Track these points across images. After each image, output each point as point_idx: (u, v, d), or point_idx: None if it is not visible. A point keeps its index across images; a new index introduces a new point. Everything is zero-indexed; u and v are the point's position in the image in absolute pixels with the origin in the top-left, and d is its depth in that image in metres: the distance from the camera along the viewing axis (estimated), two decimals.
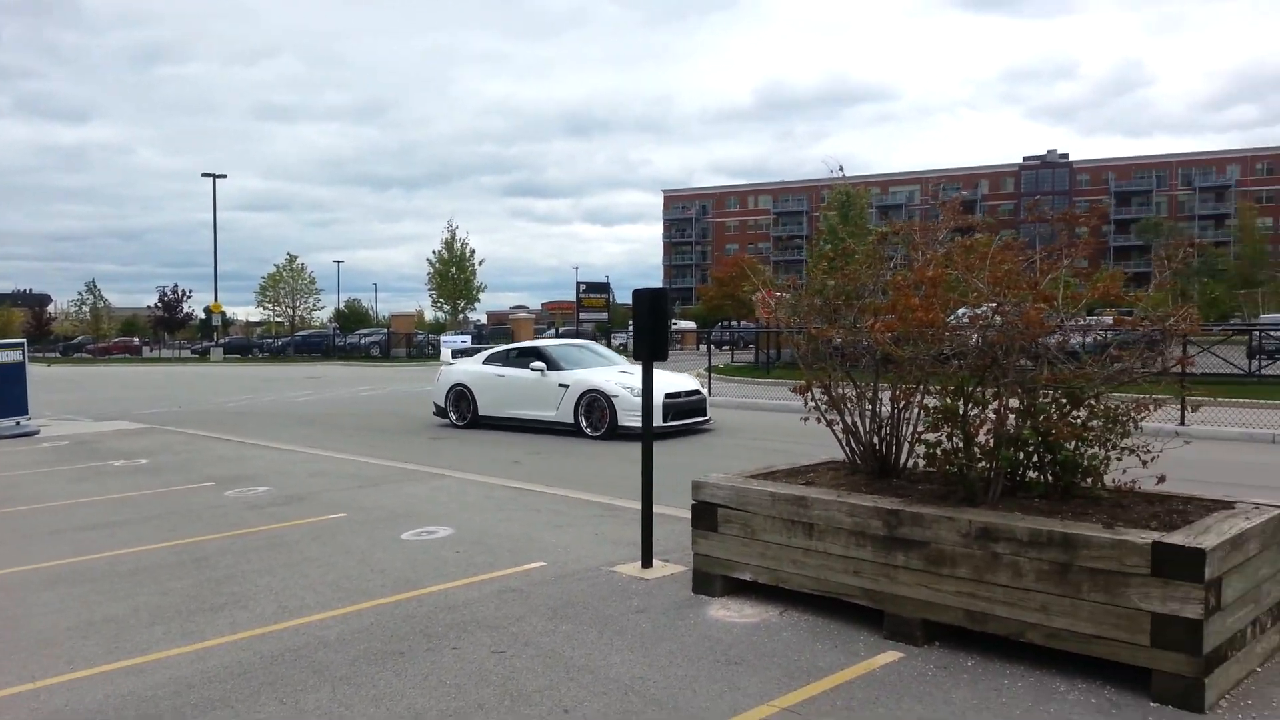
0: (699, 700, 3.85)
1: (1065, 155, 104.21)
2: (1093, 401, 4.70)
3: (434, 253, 54.91)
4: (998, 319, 4.93)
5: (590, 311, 48.05)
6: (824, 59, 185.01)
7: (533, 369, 14.33)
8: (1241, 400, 15.24)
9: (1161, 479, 4.63)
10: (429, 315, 76.54)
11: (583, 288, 48.18)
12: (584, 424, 13.45)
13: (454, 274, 54.64)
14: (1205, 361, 19.29)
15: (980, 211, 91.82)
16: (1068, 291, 5.07)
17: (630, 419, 12.77)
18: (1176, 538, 3.86)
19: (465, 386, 15.21)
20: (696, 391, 14.17)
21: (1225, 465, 10.35)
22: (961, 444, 4.80)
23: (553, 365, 14.41)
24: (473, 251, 55.03)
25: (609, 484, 9.12)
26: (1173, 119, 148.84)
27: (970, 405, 4.82)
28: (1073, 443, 4.63)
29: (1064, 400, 4.72)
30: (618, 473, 9.90)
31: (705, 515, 5.37)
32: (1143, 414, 4.63)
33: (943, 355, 5.14)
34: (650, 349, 6.01)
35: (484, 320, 77.83)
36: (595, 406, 13.39)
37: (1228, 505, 4.54)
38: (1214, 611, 3.76)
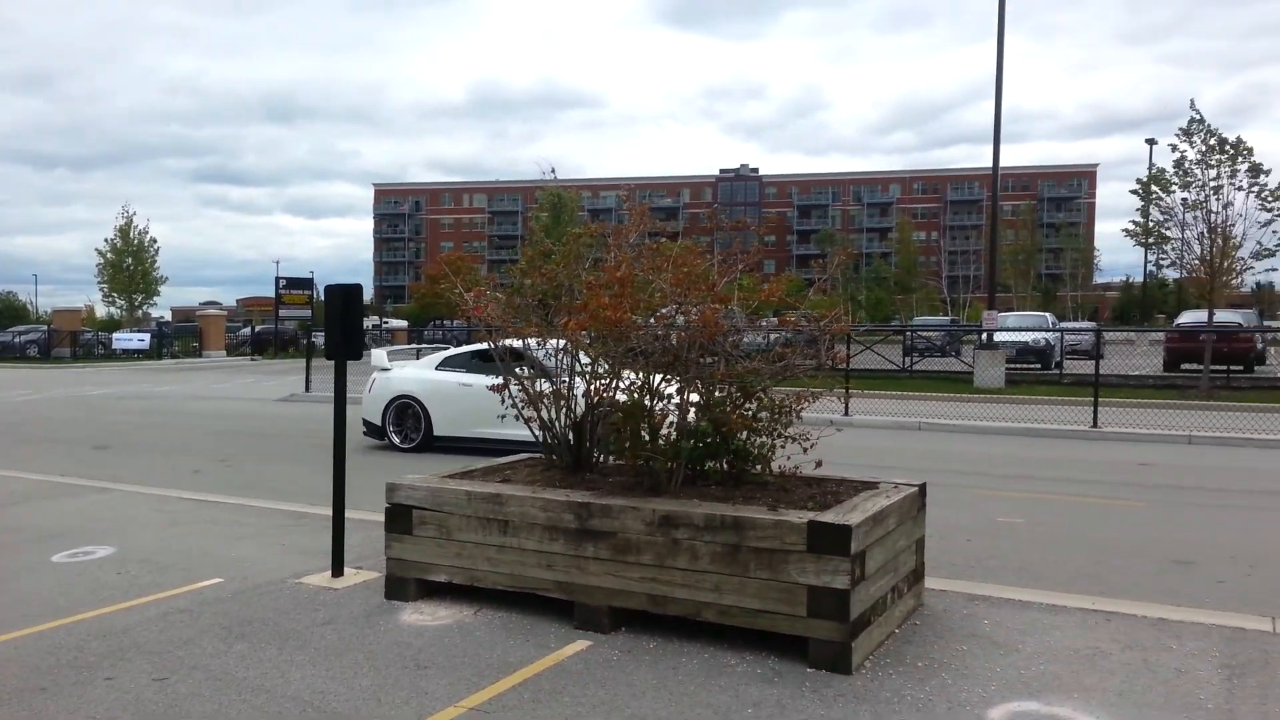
0: (384, 709, 3.74)
1: (756, 169, 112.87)
2: (761, 394, 5.10)
3: (106, 241, 49.43)
4: (680, 318, 5.24)
5: (291, 309, 45.41)
6: (536, 62, 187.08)
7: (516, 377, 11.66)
8: (896, 393, 17.26)
9: (819, 464, 5.12)
10: (100, 311, 68.55)
11: (283, 283, 45.40)
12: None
13: (130, 265, 49.43)
14: (869, 359, 21.64)
15: (682, 218, 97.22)
16: (741, 294, 5.48)
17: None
18: (828, 516, 4.29)
19: (413, 399, 12.07)
20: None
21: (880, 450, 11.65)
22: (648, 438, 5.03)
23: (544, 372, 11.98)
24: (153, 240, 50.10)
25: (302, 491, 8.65)
26: (846, 141, 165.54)
27: (655, 400, 5.07)
28: (744, 433, 5.01)
29: (737, 394, 5.09)
30: (322, 480, 9.40)
31: (400, 518, 5.24)
32: (803, 405, 5.10)
33: (632, 352, 5.37)
34: (343, 347, 5.78)
35: (168, 317, 71.20)
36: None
37: (873, 485, 5.11)
38: (859, 581, 4.21)
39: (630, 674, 4.07)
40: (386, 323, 72.23)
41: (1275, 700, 3.83)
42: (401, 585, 5.21)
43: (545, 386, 5.70)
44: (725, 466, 5.11)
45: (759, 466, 5.10)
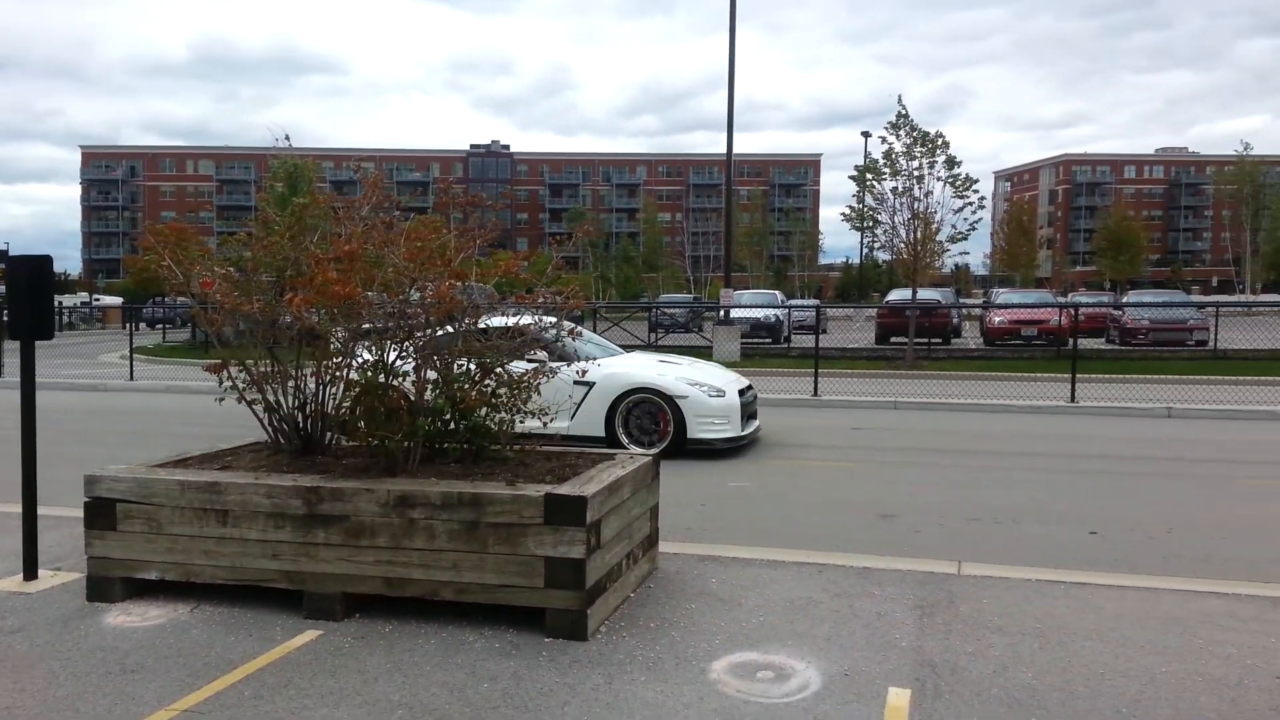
0: None
1: (507, 146, 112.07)
2: (500, 371, 5.09)
3: None
4: (416, 294, 5.12)
5: None
6: (268, 22, 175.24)
7: (530, 360, 9.69)
8: None
9: (563, 438, 5.19)
10: None
11: None
12: (625, 437, 9.59)
13: None
14: (617, 335, 22.18)
15: (432, 193, 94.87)
16: (479, 270, 5.42)
17: (707, 428, 9.48)
18: (565, 488, 4.36)
19: None
20: (751, 388, 10.82)
21: None
22: (383, 416, 4.88)
23: (559, 355, 10.01)
24: None
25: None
26: (595, 122, 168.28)
27: (390, 378, 4.93)
28: (483, 409, 4.98)
29: (476, 371, 5.05)
30: None
31: (102, 513, 4.76)
32: (540, 380, 5.14)
33: (364, 329, 5.18)
34: (30, 327, 5.16)
35: None
36: (647, 413, 9.59)
37: (609, 457, 5.24)
38: (595, 550, 4.32)
39: (363, 660, 3.95)
40: (98, 300, 65.31)
41: (957, 635, 4.33)
42: (106, 585, 4.74)
43: (272, 367, 5.36)
44: (464, 444, 5.06)
45: (499, 443, 5.09)
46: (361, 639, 4.19)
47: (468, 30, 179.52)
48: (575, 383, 9.39)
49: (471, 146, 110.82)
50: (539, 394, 5.20)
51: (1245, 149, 78.07)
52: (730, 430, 9.53)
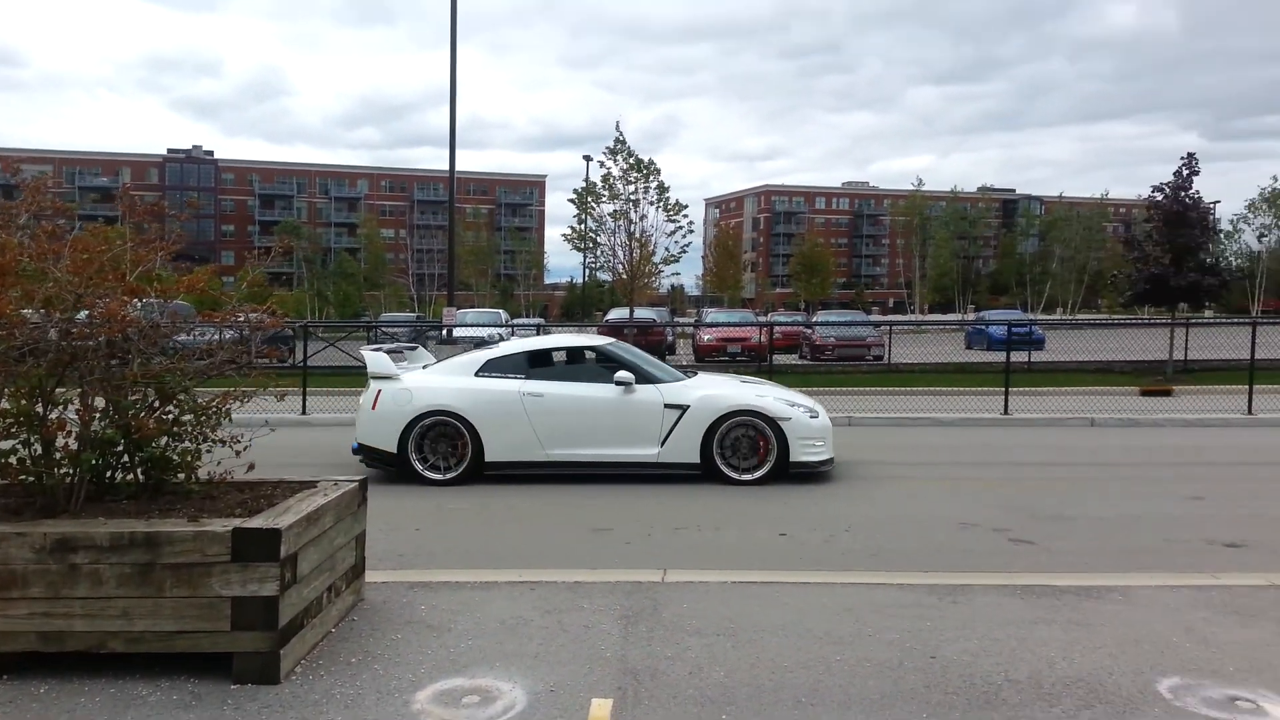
0: None
1: (210, 152, 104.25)
2: (183, 396, 4.69)
3: None
4: (82, 312, 4.60)
5: None
6: None
7: (619, 381, 9.24)
8: (358, 388, 17.12)
9: (251, 466, 4.86)
10: None
11: None
12: (721, 463, 9.05)
13: None
14: (332, 355, 21.20)
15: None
16: (160, 285, 4.97)
17: (809, 451, 9.09)
18: (256, 521, 4.08)
19: (453, 415, 9.16)
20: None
21: (334, 447, 11.47)
22: (40, 450, 4.34)
23: (645, 377, 9.43)
24: None
25: None
26: (311, 131, 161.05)
27: (50, 407, 4.39)
28: (164, 439, 4.56)
29: (154, 397, 4.61)
30: None
31: None
32: (229, 405, 4.79)
33: (18, 352, 4.57)
34: None
35: None
36: (746, 436, 9.07)
37: (311, 485, 4.97)
38: (290, 585, 4.07)
39: None
40: None
41: (658, 641, 4.51)
42: None
43: None
44: (140, 478, 4.61)
45: (182, 475, 4.68)
46: (10, 703, 3.68)
47: (165, 26, 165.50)
48: (666, 407, 9.24)
49: (169, 151, 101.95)
50: (229, 420, 4.84)
51: (918, 185, 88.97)
52: (827, 452, 9.38)
